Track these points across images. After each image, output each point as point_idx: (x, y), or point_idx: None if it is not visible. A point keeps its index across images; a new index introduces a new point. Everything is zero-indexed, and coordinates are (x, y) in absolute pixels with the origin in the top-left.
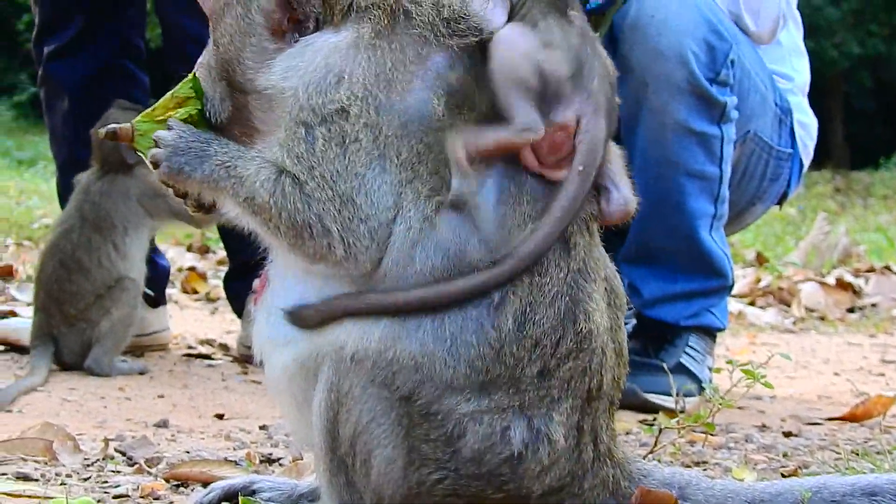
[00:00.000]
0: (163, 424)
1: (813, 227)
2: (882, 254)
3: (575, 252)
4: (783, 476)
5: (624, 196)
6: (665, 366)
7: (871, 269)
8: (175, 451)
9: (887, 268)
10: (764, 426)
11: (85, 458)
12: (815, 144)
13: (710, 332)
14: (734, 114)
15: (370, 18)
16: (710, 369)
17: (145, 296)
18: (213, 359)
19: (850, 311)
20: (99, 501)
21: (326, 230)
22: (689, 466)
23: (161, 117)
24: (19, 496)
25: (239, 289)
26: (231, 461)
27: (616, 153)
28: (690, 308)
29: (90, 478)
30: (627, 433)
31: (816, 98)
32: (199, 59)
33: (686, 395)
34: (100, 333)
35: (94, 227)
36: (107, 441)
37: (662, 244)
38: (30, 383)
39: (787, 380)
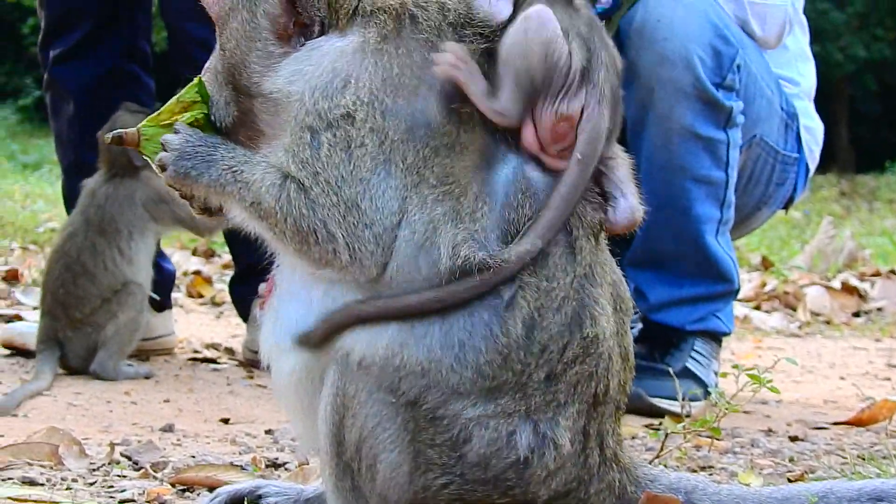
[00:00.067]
0: (168, 429)
1: (818, 231)
2: (888, 257)
3: (581, 257)
4: (789, 481)
5: (630, 205)
6: (671, 370)
7: (877, 273)
8: (181, 456)
9: (893, 272)
10: (770, 430)
11: (91, 463)
12: (821, 148)
13: (715, 337)
14: (740, 119)
15: (376, 23)
16: (715, 374)
17: (151, 300)
18: (218, 363)
19: (856, 315)
20: None
21: (331, 235)
22: (694, 471)
23: (167, 121)
24: (25, 501)
25: (244, 293)
26: (237, 466)
27: (624, 160)
28: (696, 312)
29: (96, 482)
30: (633, 437)
31: (822, 102)
32: (206, 64)
33: (692, 400)
34: (105, 337)
35: (98, 231)
36: (112, 445)
37: (668, 249)
38: (35, 387)
39: (792, 384)
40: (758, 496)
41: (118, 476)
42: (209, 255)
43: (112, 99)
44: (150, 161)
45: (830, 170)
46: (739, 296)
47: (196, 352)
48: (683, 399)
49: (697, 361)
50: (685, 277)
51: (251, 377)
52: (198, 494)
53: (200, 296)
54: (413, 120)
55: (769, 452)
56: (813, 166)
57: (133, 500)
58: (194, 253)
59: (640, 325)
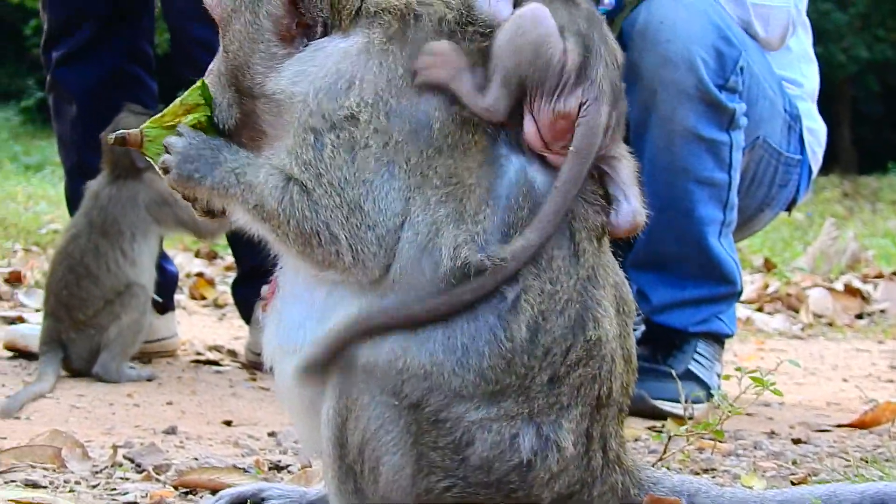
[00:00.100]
0: (171, 431)
1: (821, 233)
2: (890, 259)
3: (584, 259)
4: (792, 483)
5: (633, 208)
6: (674, 372)
7: (880, 275)
8: (183, 458)
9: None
10: (773, 433)
11: (94, 466)
12: (824, 150)
13: (718, 339)
14: (743, 120)
15: (380, 23)
16: (718, 376)
17: (153, 302)
18: (221, 365)
19: (859, 317)
20: None
21: (334, 237)
22: (697, 474)
23: (170, 123)
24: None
25: (247, 295)
26: (240, 468)
27: (628, 161)
28: (699, 314)
29: (99, 485)
30: (636, 440)
31: (824, 103)
32: (209, 67)
33: (695, 402)
34: (108, 339)
35: (101, 232)
36: (115, 448)
37: (671, 250)
38: (38, 390)
39: (795, 386)
40: (761, 499)
41: (121, 478)
42: (212, 257)
43: (115, 101)
44: (152, 162)
45: (833, 171)
46: (742, 297)
47: (199, 354)
48: (686, 401)
49: (700, 363)
50: (688, 279)
51: (254, 379)
52: (201, 497)
53: (203, 298)
54: (417, 121)
55: (772, 455)
56: (816, 168)
57: (136, 503)
58: (197, 255)
59: (642, 327)
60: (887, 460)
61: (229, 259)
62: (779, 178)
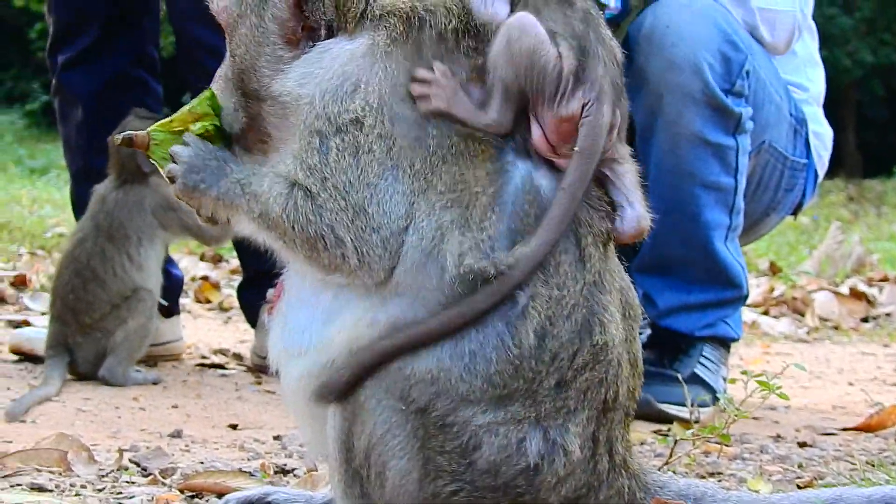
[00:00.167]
0: (177, 435)
1: (826, 236)
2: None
3: (590, 265)
4: (798, 487)
5: (637, 214)
6: (680, 376)
7: (885, 279)
8: (189, 462)
9: None
10: (779, 437)
11: (99, 469)
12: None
13: (724, 343)
14: (749, 124)
15: (386, 26)
16: (724, 379)
17: (159, 305)
18: (226, 368)
19: (864, 320)
20: None
21: (340, 241)
22: (703, 477)
23: (178, 129)
24: None
25: (252, 298)
26: (245, 472)
27: (631, 166)
28: (705, 318)
29: (105, 489)
30: (642, 444)
31: (829, 107)
32: (217, 73)
33: (701, 406)
34: (115, 343)
35: (107, 236)
36: (121, 451)
37: (677, 255)
38: (44, 393)
39: (801, 390)
40: (767, 503)
41: (127, 482)
42: (217, 260)
43: (120, 104)
44: (157, 165)
45: (838, 175)
46: (747, 301)
47: (204, 357)
48: (692, 405)
49: (706, 367)
50: (694, 283)
51: (259, 383)
52: (206, 501)
53: (208, 301)
54: (421, 127)
55: (778, 458)
56: (822, 172)
57: None
58: (202, 258)
59: (648, 331)
60: (893, 464)
61: (235, 262)
62: (785, 182)
